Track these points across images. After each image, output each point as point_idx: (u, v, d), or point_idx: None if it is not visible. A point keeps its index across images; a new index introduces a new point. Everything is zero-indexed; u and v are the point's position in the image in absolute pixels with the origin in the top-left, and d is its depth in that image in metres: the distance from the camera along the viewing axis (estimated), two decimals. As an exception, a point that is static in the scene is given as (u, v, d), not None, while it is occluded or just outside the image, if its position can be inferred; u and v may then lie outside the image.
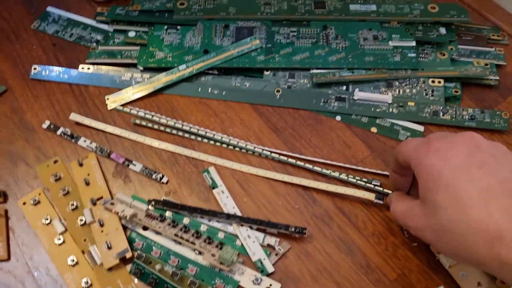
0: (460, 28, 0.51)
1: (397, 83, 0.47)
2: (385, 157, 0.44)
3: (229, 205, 0.41)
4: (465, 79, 0.48)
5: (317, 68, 0.48)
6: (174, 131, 0.45)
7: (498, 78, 0.48)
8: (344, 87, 0.47)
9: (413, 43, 0.49)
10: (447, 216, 0.29)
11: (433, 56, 0.49)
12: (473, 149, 0.30)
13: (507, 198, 0.28)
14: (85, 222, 0.40)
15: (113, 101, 0.47)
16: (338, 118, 0.46)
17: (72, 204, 0.41)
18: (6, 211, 0.42)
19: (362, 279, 0.38)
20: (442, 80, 0.47)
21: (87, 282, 0.38)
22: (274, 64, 0.48)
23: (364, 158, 0.44)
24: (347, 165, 0.43)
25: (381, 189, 0.41)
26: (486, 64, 0.48)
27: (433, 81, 0.47)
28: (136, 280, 0.38)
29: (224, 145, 0.44)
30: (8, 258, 0.39)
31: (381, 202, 0.40)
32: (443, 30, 0.50)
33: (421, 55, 0.49)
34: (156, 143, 0.44)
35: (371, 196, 0.40)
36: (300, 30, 0.50)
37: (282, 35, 0.50)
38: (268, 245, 0.39)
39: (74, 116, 0.46)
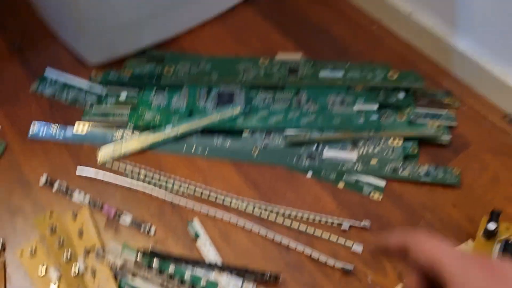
0: (417, 92, 0.58)
1: (361, 142, 0.53)
2: (350, 209, 0.49)
3: (210, 254, 0.46)
4: (421, 138, 0.54)
5: (290, 129, 0.53)
6: (162, 186, 0.50)
7: (450, 137, 0.54)
8: (314, 147, 0.53)
9: (375, 107, 0.55)
10: None
11: (393, 118, 0.55)
12: None
13: None
14: (78, 272, 0.44)
15: (104, 155, 0.51)
16: (309, 174, 0.51)
17: (67, 255, 0.45)
18: (4, 262, 0.45)
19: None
20: (401, 140, 0.53)
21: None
22: (252, 126, 0.53)
23: (332, 211, 0.49)
24: (317, 217, 0.48)
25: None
26: (439, 126, 0.54)
27: (393, 141, 0.53)
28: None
29: (207, 198, 0.49)
30: (6, 306, 0.42)
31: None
32: (401, 95, 0.57)
33: (382, 117, 0.55)
34: (148, 189, 0.49)
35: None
36: (276, 94, 0.56)
37: (259, 99, 0.55)
38: (246, 291, 0.43)
39: (81, 170, 0.50)
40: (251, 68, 0.58)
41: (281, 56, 0.60)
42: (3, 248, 0.46)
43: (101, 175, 0.50)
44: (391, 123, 0.54)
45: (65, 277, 0.44)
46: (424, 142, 0.54)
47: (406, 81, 0.57)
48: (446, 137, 0.54)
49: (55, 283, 0.43)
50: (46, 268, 0.44)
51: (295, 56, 0.60)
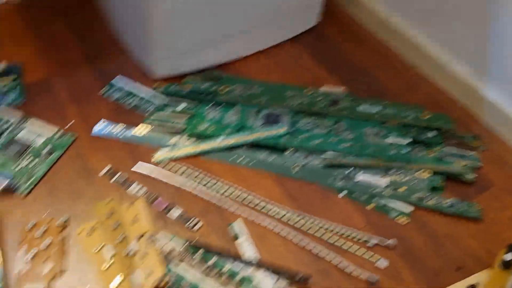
0: (447, 133, 0.63)
1: (392, 171, 0.58)
2: (377, 229, 0.53)
3: (248, 253, 0.50)
4: (448, 174, 0.58)
5: (329, 152, 0.59)
6: (209, 188, 0.55)
7: (474, 176, 0.58)
8: (349, 170, 0.58)
9: (407, 142, 0.60)
10: None
11: (422, 153, 0.60)
12: None
13: None
14: (129, 253, 0.49)
15: (160, 156, 0.57)
16: (342, 194, 0.56)
17: (121, 237, 0.50)
18: (64, 238, 0.51)
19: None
20: (429, 173, 0.58)
21: (129, 300, 0.46)
22: (295, 145, 0.59)
23: (360, 228, 0.54)
24: (347, 231, 0.53)
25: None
26: (465, 165, 0.59)
27: (421, 173, 0.58)
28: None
29: (248, 203, 0.54)
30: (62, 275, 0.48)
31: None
32: (432, 134, 0.62)
33: (413, 151, 0.60)
34: (196, 189, 0.54)
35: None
36: (318, 120, 0.62)
37: (302, 123, 0.61)
38: (278, 288, 0.48)
39: (139, 166, 0.56)
40: (297, 96, 0.64)
41: (325, 88, 0.66)
42: (65, 226, 0.52)
43: (155, 172, 0.56)
44: (420, 157, 0.59)
45: (118, 256, 0.49)
46: (450, 178, 0.58)
47: (437, 122, 0.62)
48: (470, 176, 0.58)
49: (108, 261, 0.49)
50: (102, 247, 0.50)
51: (337, 90, 0.66)
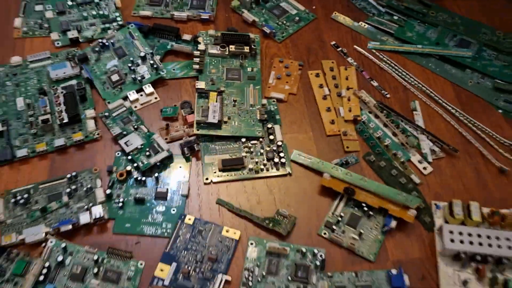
0: None
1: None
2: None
3: (420, 122, 0.71)
4: None
5: (497, 80, 0.75)
6: (398, 73, 0.76)
7: None
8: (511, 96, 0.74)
9: None
10: None
11: None
12: None
13: None
14: (340, 94, 0.72)
15: (373, 44, 0.79)
16: (500, 111, 0.73)
17: (335, 83, 0.73)
18: (299, 74, 0.75)
19: None
20: None
21: (333, 122, 0.70)
22: (475, 67, 0.76)
23: (506, 137, 0.70)
24: (495, 135, 0.70)
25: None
26: None
27: None
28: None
29: (429, 93, 0.74)
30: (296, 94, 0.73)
31: None
32: None
33: None
34: (393, 74, 0.75)
35: None
36: (499, 55, 0.78)
37: (487, 54, 0.78)
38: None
39: (356, 47, 0.79)
40: (489, 34, 0.80)
41: (515, 35, 0.81)
42: (301, 67, 0.76)
43: (366, 55, 0.78)
44: None
45: (332, 94, 0.73)
46: None
47: None
48: None
49: (325, 95, 0.72)
50: (322, 86, 0.73)
51: (524, 38, 0.81)
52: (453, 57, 0.77)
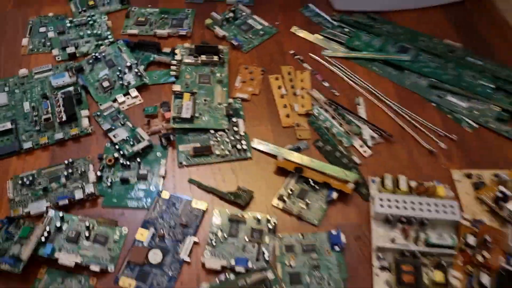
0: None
1: (474, 100, 0.85)
2: (449, 130, 0.82)
3: (362, 114, 0.84)
4: (513, 113, 0.84)
5: (433, 80, 0.88)
6: (351, 79, 0.89)
7: (533, 120, 0.83)
8: (444, 92, 0.87)
9: (493, 86, 0.87)
10: None
11: (501, 96, 0.86)
12: None
13: None
14: (295, 93, 0.86)
15: (326, 52, 0.93)
16: (433, 104, 0.86)
17: (292, 86, 0.87)
18: (261, 78, 0.89)
19: None
20: (499, 109, 0.84)
21: (289, 115, 0.83)
22: (412, 68, 0.89)
23: (437, 125, 0.83)
24: (429, 125, 0.83)
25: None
26: (530, 111, 0.84)
27: (494, 107, 0.84)
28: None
29: (371, 91, 0.87)
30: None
31: None
32: (514, 87, 0.87)
33: (494, 93, 0.86)
34: (342, 76, 0.89)
35: None
36: (434, 58, 0.91)
37: (423, 57, 0.91)
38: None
39: (312, 55, 0.93)
40: (426, 41, 0.94)
41: (448, 41, 0.95)
42: (264, 72, 0.90)
43: (321, 61, 0.92)
44: (497, 98, 0.85)
45: (289, 94, 0.86)
46: (515, 117, 0.84)
47: (522, 81, 0.87)
48: (531, 120, 0.83)
49: (283, 94, 0.86)
50: (280, 87, 0.87)
51: (457, 44, 0.94)
52: (394, 61, 0.91)
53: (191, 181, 0.75)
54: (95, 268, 0.64)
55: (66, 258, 0.64)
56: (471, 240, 0.66)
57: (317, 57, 0.93)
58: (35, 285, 0.64)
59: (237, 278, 0.64)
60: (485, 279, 0.62)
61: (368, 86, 0.88)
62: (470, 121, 0.84)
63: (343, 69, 0.91)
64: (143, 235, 0.68)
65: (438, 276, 0.64)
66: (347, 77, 0.90)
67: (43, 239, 0.65)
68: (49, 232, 0.66)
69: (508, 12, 1.01)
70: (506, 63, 0.92)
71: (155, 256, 0.66)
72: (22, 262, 0.63)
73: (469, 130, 0.82)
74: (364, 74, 0.90)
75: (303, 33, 0.97)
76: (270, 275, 0.64)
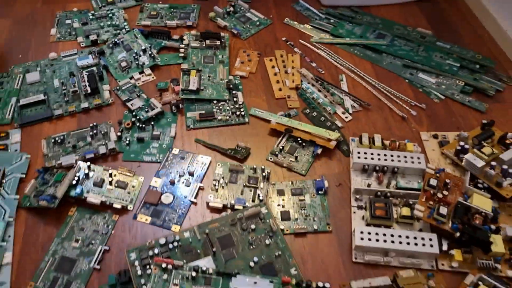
0: (489, 68, 1.01)
1: (441, 77, 0.99)
2: (419, 100, 0.95)
3: (344, 86, 0.97)
4: (476, 88, 0.97)
5: (405, 60, 1.02)
6: (333, 59, 1.03)
7: (493, 94, 0.96)
8: (415, 70, 1.00)
9: (458, 65, 1.00)
10: None
11: (465, 73, 0.99)
12: None
13: None
14: (287, 71, 0.99)
15: (314, 39, 1.07)
16: (407, 81, 0.99)
17: (284, 65, 1.01)
18: (259, 60, 1.03)
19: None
20: (462, 83, 0.97)
21: (281, 89, 0.96)
22: (389, 51, 1.03)
23: (410, 97, 0.96)
24: (403, 97, 0.96)
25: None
26: (491, 86, 0.97)
27: (458, 82, 0.98)
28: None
29: (352, 69, 1.01)
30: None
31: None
32: (477, 67, 1.01)
33: (459, 71, 1.00)
34: (327, 57, 1.03)
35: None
36: (408, 43, 1.05)
37: (398, 42, 1.05)
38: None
39: (302, 41, 1.07)
40: (401, 29, 1.08)
41: (420, 29, 1.09)
42: (260, 55, 1.04)
43: (310, 46, 1.06)
44: (462, 75, 0.99)
45: (281, 73, 1.00)
46: (478, 91, 0.97)
47: (484, 61, 1.01)
48: (491, 92, 0.96)
49: (276, 73, 0.99)
50: (274, 67, 1.01)
51: (428, 31, 1.08)
52: (372, 45, 1.05)
53: (197, 140, 0.88)
54: (117, 205, 0.77)
55: (93, 197, 0.77)
56: (434, 182, 0.78)
57: (306, 43, 1.07)
58: (67, 221, 0.76)
59: (235, 212, 0.76)
60: (443, 210, 0.74)
61: (350, 66, 1.02)
62: (438, 94, 0.97)
63: (329, 52, 1.05)
64: (157, 183, 0.81)
65: (404, 210, 0.76)
66: (332, 59, 1.03)
67: (74, 182, 0.78)
68: (78, 178, 0.79)
69: (475, 5, 1.15)
70: (471, 47, 1.06)
71: (167, 197, 0.79)
72: (57, 199, 0.75)
73: (436, 101, 0.96)
74: (346, 57, 1.04)
75: (294, 23, 1.11)
76: (263, 209, 0.76)
